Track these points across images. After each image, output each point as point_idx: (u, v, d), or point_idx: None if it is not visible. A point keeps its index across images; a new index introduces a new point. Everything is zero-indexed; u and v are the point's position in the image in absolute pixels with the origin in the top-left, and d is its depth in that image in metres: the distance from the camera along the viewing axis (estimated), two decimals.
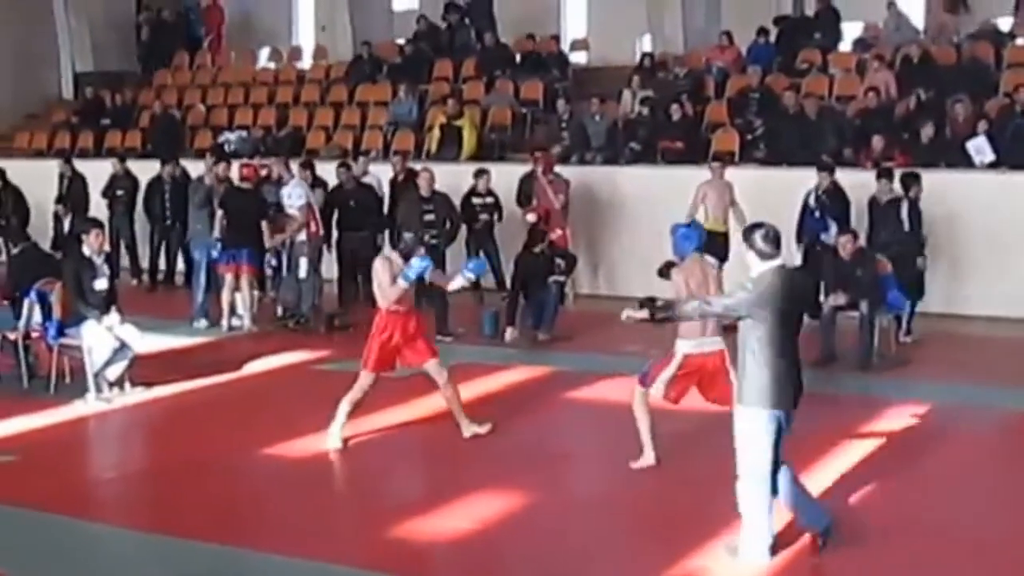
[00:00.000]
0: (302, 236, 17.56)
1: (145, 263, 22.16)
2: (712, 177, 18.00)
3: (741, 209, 17.77)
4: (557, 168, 19.25)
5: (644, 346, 13.93)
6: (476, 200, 18.96)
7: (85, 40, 30.32)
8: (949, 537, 9.46)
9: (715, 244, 17.72)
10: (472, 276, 12.16)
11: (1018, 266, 17.16)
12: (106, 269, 13.86)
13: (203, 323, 17.73)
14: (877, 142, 18.68)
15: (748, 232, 8.95)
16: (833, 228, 16.97)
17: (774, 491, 8.81)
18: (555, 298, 16.37)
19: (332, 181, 19.27)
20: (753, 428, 8.71)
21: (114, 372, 13.64)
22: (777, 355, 8.61)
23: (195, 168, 20.13)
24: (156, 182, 21.11)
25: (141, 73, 29.55)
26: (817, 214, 17.22)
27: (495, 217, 19.10)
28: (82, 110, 27.70)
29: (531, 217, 18.00)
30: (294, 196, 17.68)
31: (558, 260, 16.66)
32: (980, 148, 17.85)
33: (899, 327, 16.20)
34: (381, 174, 19.89)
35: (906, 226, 16.17)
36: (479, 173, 19.06)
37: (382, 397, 12.21)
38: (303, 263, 17.50)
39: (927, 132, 18.65)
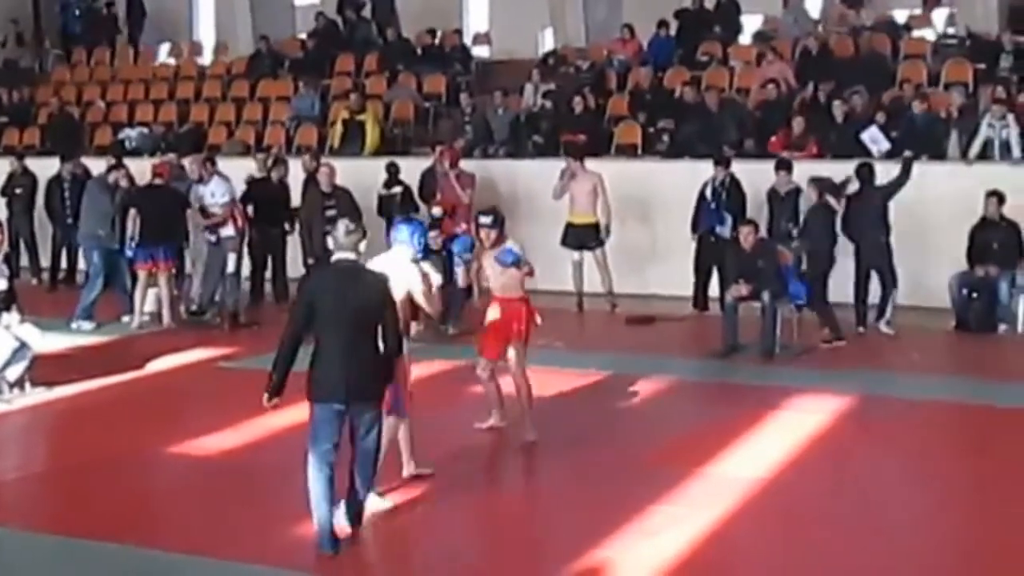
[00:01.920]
0: (229, 231, 17.47)
1: (45, 262, 21.89)
2: (573, 171, 18.10)
3: (607, 200, 17.93)
4: (461, 162, 19.27)
5: (549, 339, 14.02)
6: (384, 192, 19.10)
7: None
8: (847, 523, 9.58)
9: (584, 234, 17.94)
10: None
11: (919, 255, 17.35)
12: (5, 269, 13.71)
13: (86, 325, 17.43)
14: (798, 124, 18.86)
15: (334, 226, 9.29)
16: (729, 220, 17.17)
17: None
18: (462, 292, 16.34)
19: (235, 176, 19.15)
20: (313, 419, 8.99)
21: (14, 373, 13.48)
22: (323, 350, 8.85)
23: (96, 166, 19.97)
24: (55, 180, 20.88)
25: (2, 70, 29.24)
26: (713, 206, 17.39)
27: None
28: None
29: (436, 211, 18.00)
30: (218, 193, 17.60)
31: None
32: (875, 138, 18.06)
33: (878, 317, 16.48)
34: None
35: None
36: (390, 166, 19.15)
37: (289, 395, 12.09)
38: (231, 258, 17.40)
39: (838, 115, 18.87)
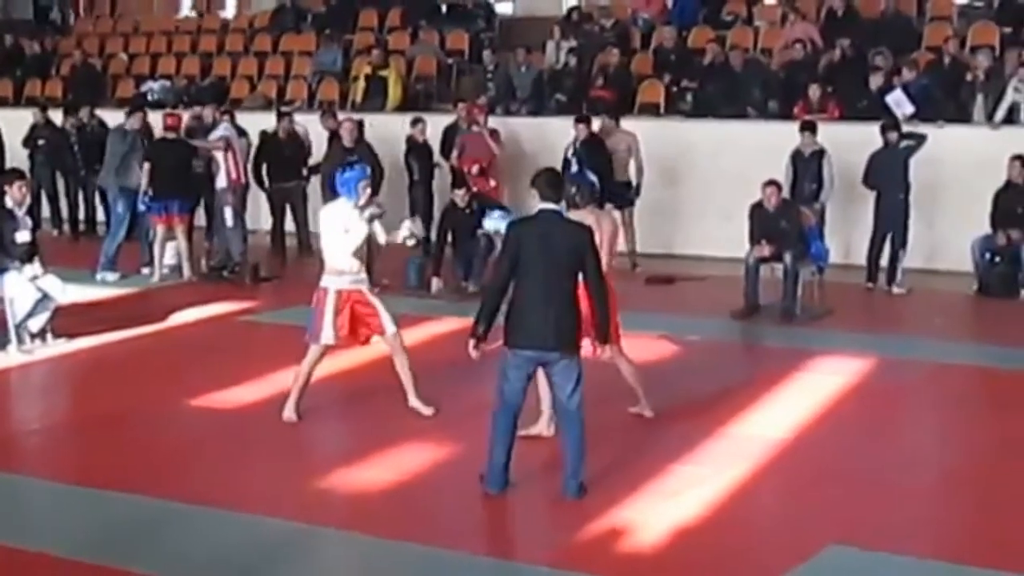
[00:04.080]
0: (222, 183, 17.46)
1: (66, 213, 21.94)
2: (605, 131, 18.03)
3: (641, 160, 17.94)
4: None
5: None
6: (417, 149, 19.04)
7: None
8: (868, 485, 9.59)
9: (617, 193, 17.88)
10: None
11: (941, 218, 17.36)
12: (28, 221, 13.72)
13: (111, 276, 17.47)
14: (813, 92, 18.72)
15: (535, 175, 9.40)
16: (596, 179, 17.02)
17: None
18: (483, 250, 16.28)
19: (253, 131, 19.15)
20: (503, 363, 9.11)
21: (36, 323, 13.52)
22: (523, 298, 8.95)
23: (113, 118, 19.97)
24: (61, 133, 20.96)
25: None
26: (575, 167, 17.23)
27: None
28: (1, 58, 27.29)
29: (475, 169, 17.95)
30: (216, 133, 17.66)
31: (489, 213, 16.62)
32: (899, 101, 17.94)
33: (889, 280, 16.58)
34: (308, 124, 19.73)
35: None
36: (415, 122, 19.03)
37: (304, 349, 12.10)
38: (227, 212, 17.42)
39: (876, 82, 18.67)
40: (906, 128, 16.83)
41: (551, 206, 9.10)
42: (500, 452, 9.14)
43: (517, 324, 8.95)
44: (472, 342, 9.10)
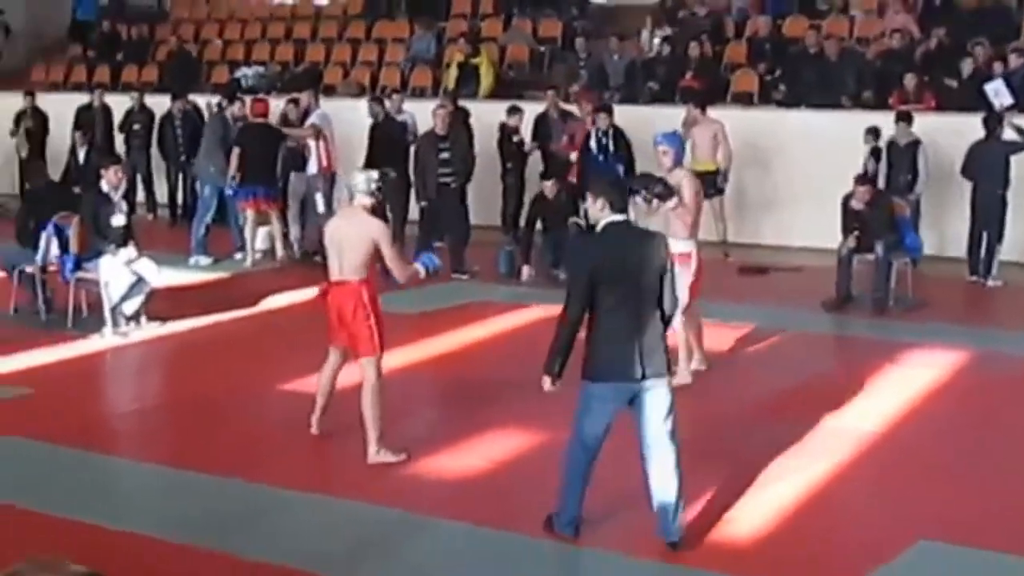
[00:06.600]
0: (314, 169, 17.60)
1: (160, 198, 22.12)
2: (692, 119, 17.96)
3: (729, 148, 17.83)
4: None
5: None
6: (515, 139, 19.00)
7: None
8: (962, 478, 9.51)
9: (705, 182, 17.77)
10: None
11: None
12: (124, 205, 13.91)
13: (204, 260, 17.68)
14: (909, 82, 18.52)
15: (598, 181, 8.43)
16: (621, 171, 16.88)
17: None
18: (574, 237, 16.22)
19: (351, 117, 19.19)
20: (583, 397, 8.17)
21: (131, 306, 13.68)
22: (605, 326, 7.96)
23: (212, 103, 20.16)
24: (167, 118, 21.06)
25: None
26: (601, 157, 17.05)
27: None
28: (99, 44, 27.60)
29: (573, 156, 17.91)
30: (312, 119, 17.82)
31: (581, 202, 16.56)
32: (998, 91, 17.71)
33: (985, 273, 16.39)
34: (416, 112, 19.70)
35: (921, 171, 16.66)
36: (512, 111, 19.01)
37: (395, 336, 12.14)
38: (319, 197, 17.56)
39: (966, 70, 18.46)
40: (1019, 121, 16.52)
41: (620, 217, 8.05)
42: (574, 502, 8.30)
43: (601, 355, 7.95)
44: (547, 379, 8.08)
